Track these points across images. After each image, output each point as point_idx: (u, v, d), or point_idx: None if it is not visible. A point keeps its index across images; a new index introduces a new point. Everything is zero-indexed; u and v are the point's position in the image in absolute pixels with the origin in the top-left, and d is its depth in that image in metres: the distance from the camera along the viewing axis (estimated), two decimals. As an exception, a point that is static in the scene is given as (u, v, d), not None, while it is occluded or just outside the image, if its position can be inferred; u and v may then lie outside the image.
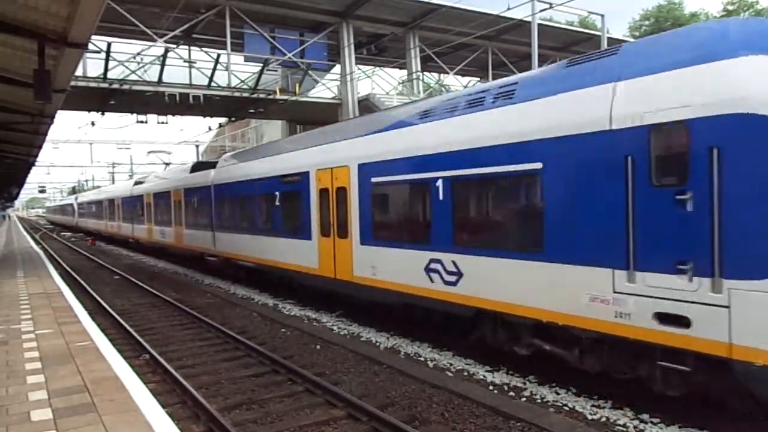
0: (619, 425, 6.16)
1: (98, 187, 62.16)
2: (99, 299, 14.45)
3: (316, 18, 23.57)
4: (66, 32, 7.32)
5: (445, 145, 8.29)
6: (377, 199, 10.08)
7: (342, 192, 10.92)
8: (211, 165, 19.58)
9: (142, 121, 24.61)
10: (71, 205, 61.63)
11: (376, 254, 9.94)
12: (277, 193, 13.55)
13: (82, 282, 17.70)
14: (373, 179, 9.99)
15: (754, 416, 5.80)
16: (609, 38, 25.11)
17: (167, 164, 29.93)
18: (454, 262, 8.15)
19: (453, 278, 8.19)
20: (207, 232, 18.52)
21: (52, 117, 13.24)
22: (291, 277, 13.38)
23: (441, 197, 8.32)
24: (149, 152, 33.88)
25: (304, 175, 12.26)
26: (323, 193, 11.60)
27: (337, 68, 25.83)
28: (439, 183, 8.34)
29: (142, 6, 21.02)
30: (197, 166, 21.09)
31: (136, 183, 30.42)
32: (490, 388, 7.44)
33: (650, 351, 5.85)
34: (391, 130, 9.80)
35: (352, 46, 24.09)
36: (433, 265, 8.56)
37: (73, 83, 11.28)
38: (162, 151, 32.32)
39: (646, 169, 5.69)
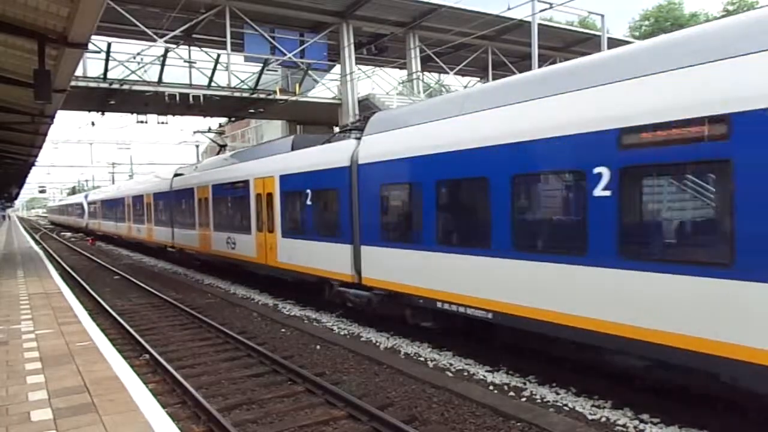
0: (619, 425, 6.15)
1: (98, 187, 60.90)
2: (99, 299, 14.44)
3: (316, 18, 23.59)
4: (66, 32, 7.33)
5: None
6: None
7: None
8: (338, 133, 13.11)
9: (142, 121, 24.65)
10: (80, 204, 52.88)
11: None
12: (602, 169, 6.10)
13: (82, 282, 17.69)
14: None
15: (753, 415, 5.80)
16: (609, 38, 25.15)
17: (222, 147, 22.68)
18: None
19: None
20: (339, 245, 10.99)
21: (52, 117, 13.25)
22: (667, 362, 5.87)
23: None
24: (195, 132, 28.50)
25: None
26: None
27: (337, 68, 25.84)
28: None
29: (142, 6, 21.03)
30: (300, 141, 13.69)
31: (177, 174, 22.95)
32: (490, 388, 7.44)
33: None
34: None
35: (352, 46, 24.10)
36: None
37: (73, 83, 11.29)
38: (213, 131, 24.98)
39: None
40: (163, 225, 23.72)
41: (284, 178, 13.33)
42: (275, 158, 14.06)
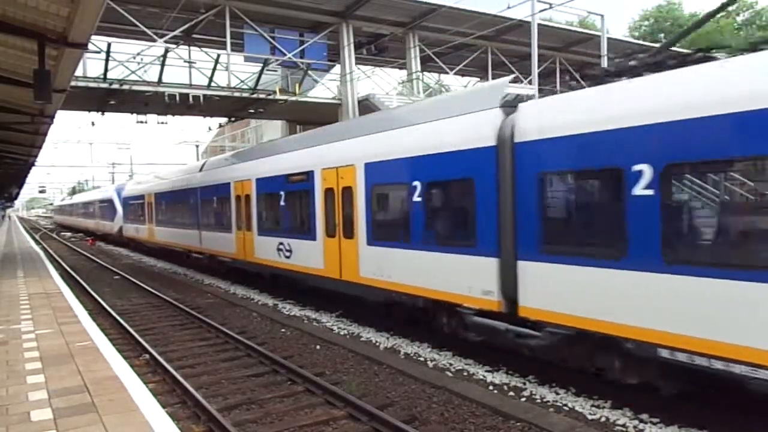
0: (619, 425, 6.16)
1: (97, 187, 58.32)
2: (99, 299, 14.45)
3: (316, 18, 23.57)
4: (66, 32, 7.33)
5: None
6: None
7: None
8: None
9: (142, 122, 24.62)
10: (109, 200, 36.74)
11: None
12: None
13: (82, 282, 17.69)
14: None
15: (752, 415, 5.80)
16: (609, 38, 25.16)
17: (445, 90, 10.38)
18: None
19: None
20: None
21: (52, 117, 13.25)
22: None
23: None
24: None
25: None
26: None
27: (337, 68, 25.83)
28: None
29: (142, 6, 21.01)
30: None
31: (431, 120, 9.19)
32: (490, 388, 7.45)
33: None
34: None
35: (352, 46, 24.09)
36: None
37: (73, 83, 11.29)
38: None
39: None
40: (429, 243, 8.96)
41: None
42: None
